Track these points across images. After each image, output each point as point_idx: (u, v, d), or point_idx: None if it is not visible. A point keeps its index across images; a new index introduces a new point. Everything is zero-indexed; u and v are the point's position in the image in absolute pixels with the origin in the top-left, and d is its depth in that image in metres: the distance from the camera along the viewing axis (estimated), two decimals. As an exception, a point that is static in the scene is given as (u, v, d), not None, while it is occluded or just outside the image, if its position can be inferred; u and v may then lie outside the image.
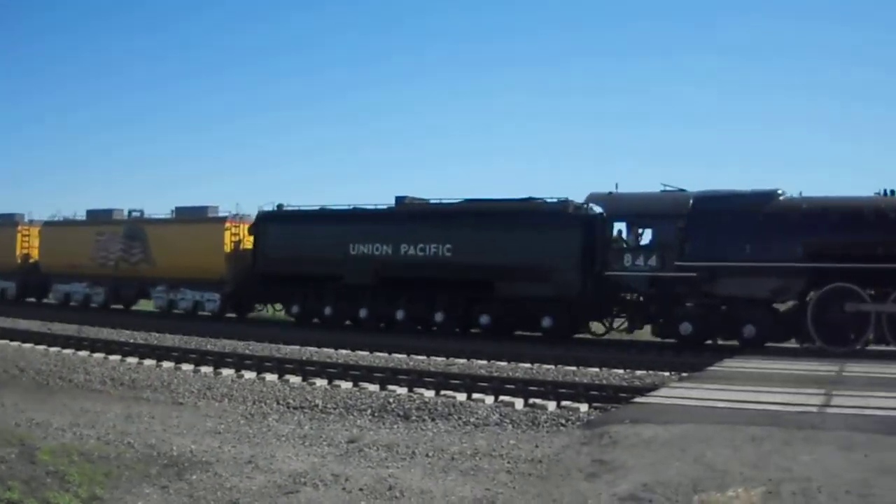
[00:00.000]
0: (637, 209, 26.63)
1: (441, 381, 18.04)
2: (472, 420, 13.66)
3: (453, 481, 9.26)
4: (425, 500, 8.56)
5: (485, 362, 22.71)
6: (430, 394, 16.95)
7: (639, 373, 20.65)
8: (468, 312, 29.52)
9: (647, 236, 26.54)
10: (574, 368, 21.29)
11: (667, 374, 20.42)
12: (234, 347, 24.84)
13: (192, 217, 37.40)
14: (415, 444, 11.35)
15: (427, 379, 18.40)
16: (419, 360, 23.05)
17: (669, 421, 11.68)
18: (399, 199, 32.08)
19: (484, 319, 29.02)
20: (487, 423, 13.39)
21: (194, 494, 8.81)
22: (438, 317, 29.79)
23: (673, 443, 10.36)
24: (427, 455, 10.67)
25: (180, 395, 16.27)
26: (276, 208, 34.76)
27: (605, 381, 18.52)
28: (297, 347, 25.80)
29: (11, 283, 43.73)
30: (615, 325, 28.30)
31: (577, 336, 28.44)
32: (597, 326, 28.94)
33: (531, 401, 16.15)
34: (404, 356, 23.85)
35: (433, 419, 13.76)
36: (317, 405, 15.19)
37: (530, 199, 29.34)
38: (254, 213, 35.26)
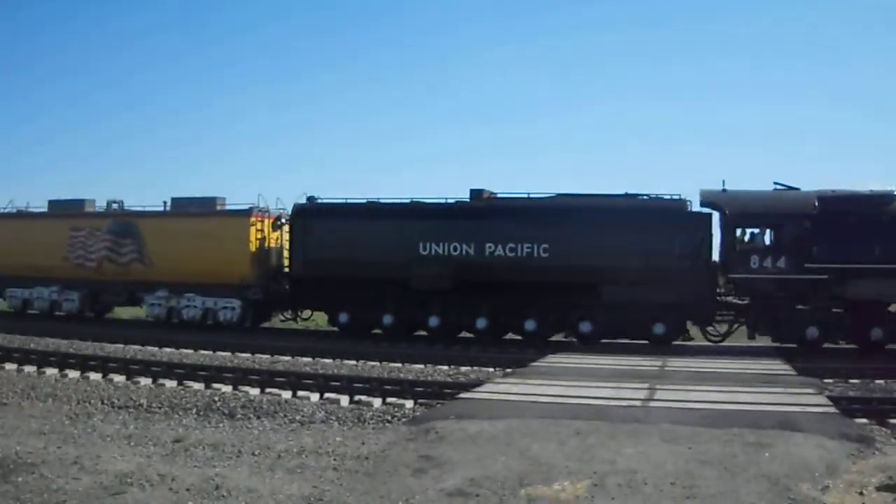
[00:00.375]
0: (761, 209, 26.47)
1: (266, 379, 18.49)
2: (297, 418, 14.00)
3: (280, 480, 9.49)
4: (252, 498, 8.75)
5: (310, 359, 23.46)
6: (255, 391, 17.40)
7: (463, 369, 21.72)
8: (565, 319, 28.46)
9: (768, 237, 26.66)
10: (399, 365, 22.07)
11: (491, 369, 21.57)
12: (58, 346, 24.62)
13: (202, 210, 33.59)
14: (241, 443, 11.55)
15: (252, 377, 18.85)
16: (244, 358, 23.50)
17: (494, 416, 12.35)
18: (475, 192, 29.89)
19: (585, 327, 27.85)
20: (313, 421, 13.76)
21: (21, 497, 8.75)
22: (529, 325, 28.29)
23: (498, 437, 10.96)
24: (253, 454, 10.89)
25: (3, 396, 15.94)
26: (310, 201, 31.75)
27: (430, 378, 19.53)
28: (121, 346, 25.87)
29: None
30: (714, 330, 27.83)
31: (677, 342, 27.71)
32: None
33: (357, 398, 16.74)
34: (228, 354, 24.36)
35: (259, 417, 14.05)
36: (141, 404, 15.20)
37: (637, 195, 28.46)
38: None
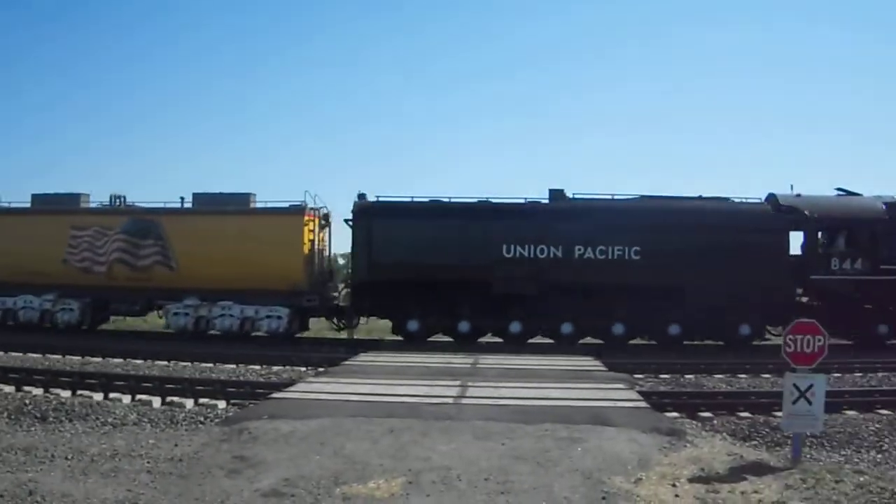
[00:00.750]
0: (840, 213, 28.64)
1: (77, 381, 18.16)
2: (110, 420, 13.82)
3: (94, 483, 9.34)
4: (67, 503, 8.62)
5: (121, 360, 23.02)
6: (66, 394, 16.91)
7: (275, 368, 21.99)
8: (652, 322, 28.78)
9: (843, 240, 28.96)
10: (211, 365, 22.22)
11: (303, 368, 21.95)
12: None
13: (241, 208, 31.12)
14: (53, 447, 11.28)
15: (63, 379, 18.43)
16: (54, 360, 22.96)
17: (308, 415, 12.52)
18: (555, 192, 29.85)
19: (674, 329, 28.58)
20: (126, 423, 13.63)
21: None
22: (617, 329, 28.72)
23: (312, 437, 11.12)
24: (66, 457, 10.67)
25: None
26: (361, 198, 30.26)
27: (242, 378, 19.74)
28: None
29: None
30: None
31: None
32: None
33: (169, 399, 16.63)
34: (39, 356, 23.69)
35: (71, 420, 13.80)
36: (-49, 409, 14.61)
37: (718, 198, 29.58)
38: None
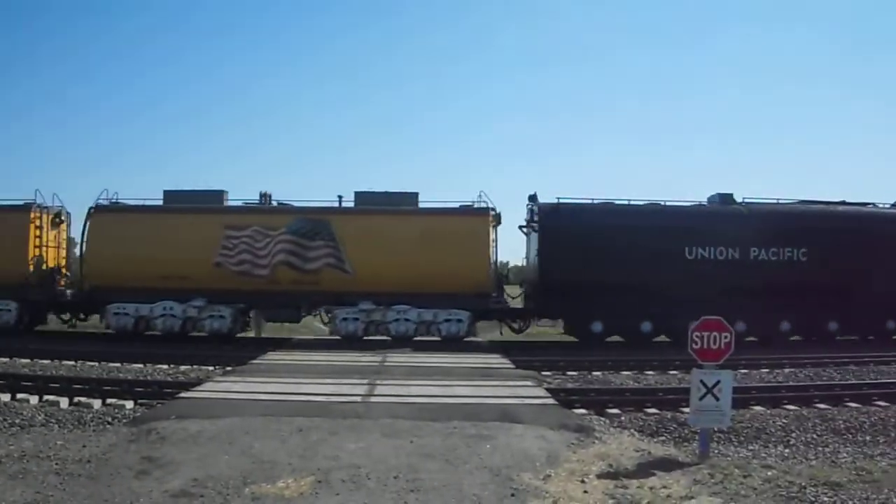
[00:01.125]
0: None
1: None
2: (17, 421, 13.73)
3: (2, 485, 9.38)
4: None
5: (28, 360, 22.66)
6: None
7: (183, 367, 21.92)
8: (815, 321, 30.94)
9: None
10: (118, 365, 22.03)
11: (211, 368, 21.93)
12: None
13: (413, 208, 30.61)
14: None
15: None
16: None
17: (216, 415, 12.73)
18: (724, 196, 31.97)
19: (832, 326, 31.16)
20: (33, 424, 13.57)
21: None
22: (784, 326, 30.85)
23: (220, 437, 11.32)
24: None
25: None
26: (531, 200, 31.01)
27: (149, 377, 19.71)
28: None
29: (13, 302, 31.32)
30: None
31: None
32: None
33: (76, 399, 16.54)
34: None
35: None
36: None
37: (864, 203, 33.10)
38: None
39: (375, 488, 9.03)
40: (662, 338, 30.23)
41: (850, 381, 20.56)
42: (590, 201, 31.04)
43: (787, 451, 13.93)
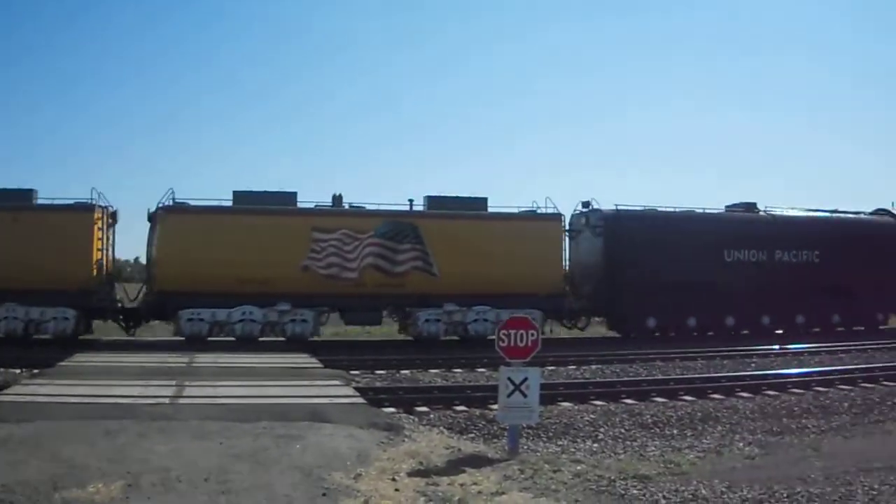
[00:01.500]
0: None
1: None
2: None
3: None
4: None
5: None
6: None
7: None
8: (824, 314, 37.36)
9: None
10: None
11: (18, 371, 21.72)
12: None
13: (486, 212, 33.09)
14: None
15: None
16: None
17: (23, 419, 12.71)
18: (748, 205, 38.27)
19: (836, 318, 37.63)
20: None
21: None
22: (799, 319, 36.85)
23: (28, 441, 11.33)
24: None
25: None
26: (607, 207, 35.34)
27: None
28: None
29: (70, 309, 29.83)
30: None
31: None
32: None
33: None
34: None
35: None
36: None
37: (854, 212, 40.54)
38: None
39: (186, 491, 9.20)
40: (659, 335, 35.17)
41: (656, 377, 21.81)
42: (641, 208, 36.16)
43: (595, 445, 14.79)
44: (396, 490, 9.66)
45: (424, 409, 16.88)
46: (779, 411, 18.17)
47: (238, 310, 29.73)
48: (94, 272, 30.51)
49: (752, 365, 25.45)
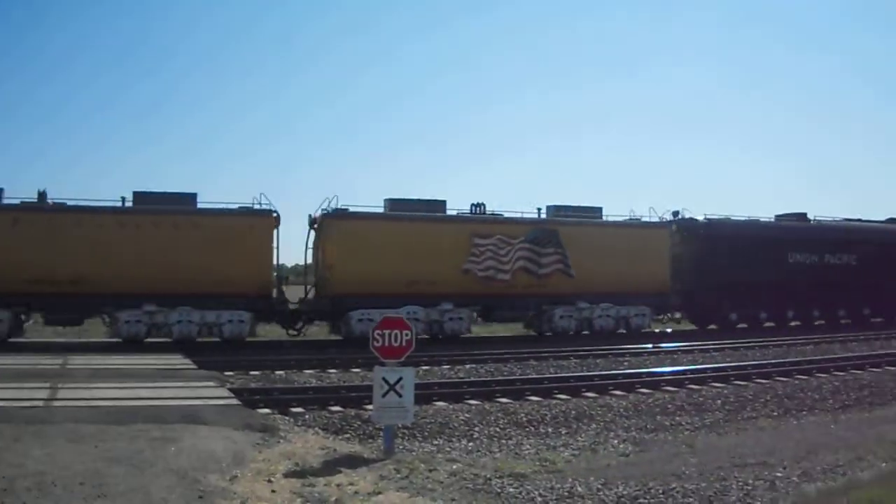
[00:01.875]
0: None
1: None
2: None
3: None
4: None
5: None
6: None
7: None
8: (857, 307, 44.40)
9: None
10: None
11: None
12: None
13: (611, 220, 38.81)
14: None
15: None
16: None
17: None
18: (799, 215, 45.62)
19: (867, 311, 44.92)
20: None
21: None
22: (841, 312, 43.91)
23: None
24: None
25: None
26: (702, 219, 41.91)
27: None
28: None
29: (246, 312, 31.71)
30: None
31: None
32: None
33: None
34: None
35: None
36: None
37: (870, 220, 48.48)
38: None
39: (62, 495, 9.24)
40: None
41: (530, 376, 22.45)
42: (719, 217, 42.59)
43: (471, 444, 15.31)
44: (273, 492, 9.92)
45: (300, 409, 17.20)
46: (653, 409, 18.95)
47: (404, 310, 31.20)
48: (272, 276, 33.38)
49: (626, 364, 26.30)
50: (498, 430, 16.63)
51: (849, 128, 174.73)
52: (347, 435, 15.43)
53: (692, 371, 23.78)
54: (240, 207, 32.41)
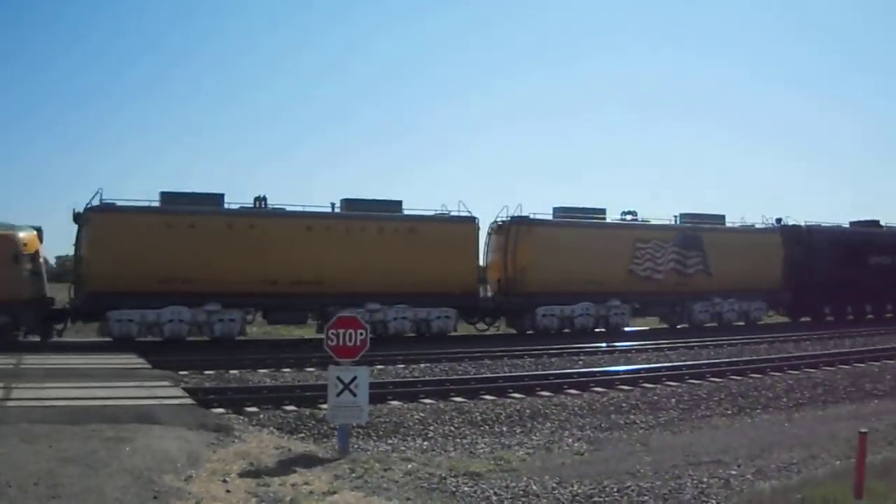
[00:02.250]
0: None
1: None
2: None
3: None
4: None
5: None
6: None
7: None
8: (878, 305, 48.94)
9: None
10: None
11: None
12: None
13: (732, 225, 44.49)
14: None
15: None
16: None
17: None
18: (871, 222, 50.81)
19: (889, 307, 48.58)
20: None
21: None
22: (868, 308, 48.35)
23: None
24: None
25: None
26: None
27: None
28: None
29: (451, 309, 35.53)
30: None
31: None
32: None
33: None
34: None
35: None
36: None
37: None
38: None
39: (16, 496, 9.29)
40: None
41: (485, 375, 22.63)
42: (815, 223, 47.98)
43: (426, 443, 15.47)
44: (228, 491, 10.04)
45: (254, 409, 17.30)
46: (607, 408, 19.17)
47: (580, 305, 37.77)
48: (476, 277, 37.66)
49: (580, 363, 26.44)
50: (453, 429, 16.78)
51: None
52: (302, 434, 15.54)
53: (646, 370, 24.03)
54: (450, 215, 36.22)
